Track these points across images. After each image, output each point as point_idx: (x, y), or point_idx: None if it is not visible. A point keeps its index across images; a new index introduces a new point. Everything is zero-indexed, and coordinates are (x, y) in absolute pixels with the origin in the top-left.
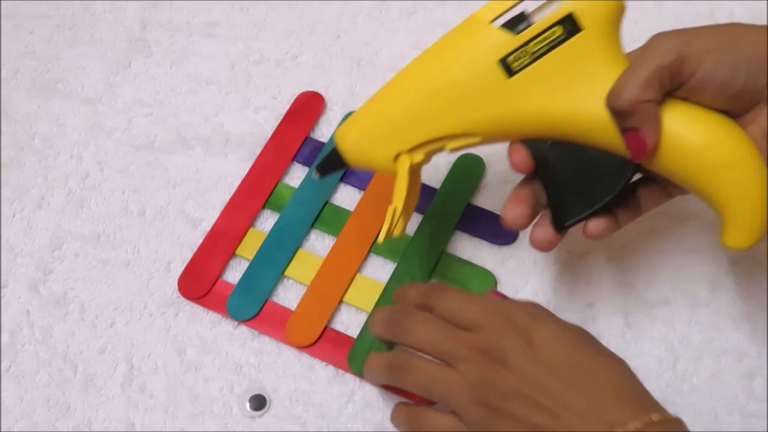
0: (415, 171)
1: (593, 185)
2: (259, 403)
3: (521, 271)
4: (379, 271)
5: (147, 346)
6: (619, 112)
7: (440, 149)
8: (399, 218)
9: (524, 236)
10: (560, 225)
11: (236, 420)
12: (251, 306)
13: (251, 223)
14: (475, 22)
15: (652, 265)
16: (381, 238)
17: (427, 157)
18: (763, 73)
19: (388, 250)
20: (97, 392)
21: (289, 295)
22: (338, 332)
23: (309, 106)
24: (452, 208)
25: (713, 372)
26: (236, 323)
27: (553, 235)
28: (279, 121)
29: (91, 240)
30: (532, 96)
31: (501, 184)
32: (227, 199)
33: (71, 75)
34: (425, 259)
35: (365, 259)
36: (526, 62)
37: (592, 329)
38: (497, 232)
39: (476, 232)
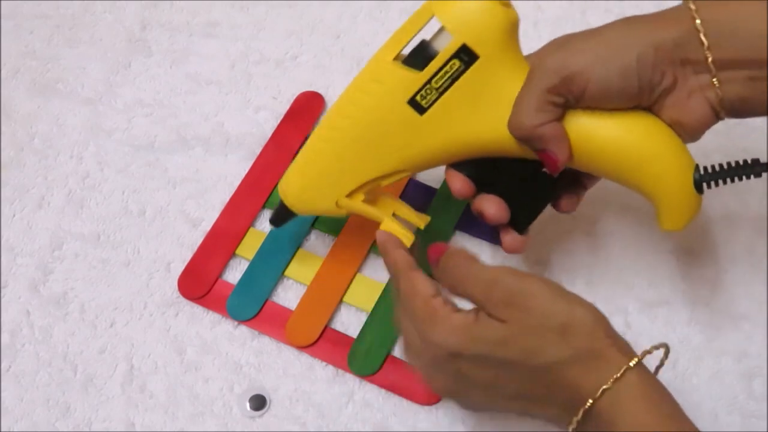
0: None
1: (535, 186)
2: (259, 403)
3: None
4: (379, 271)
5: (147, 346)
6: (521, 140)
7: (376, 187)
8: (401, 225)
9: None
10: (520, 228)
11: (236, 420)
12: (251, 306)
13: (251, 223)
14: (380, 63)
15: (652, 265)
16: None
17: (369, 194)
18: (655, 69)
19: None
20: (97, 392)
21: (289, 295)
22: (338, 332)
23: (309, 106)
24: (452, 208)
25: (713, 372)
26: (236, 323)
27: (520, 238)
28: (279, 121)
29: (91, 240)
30: (446, 127)
31: None
32: (227, 199)
33: (71, 75)
34: (425, 259)
35: (365, 259)
36: (434, 98)
37: None
38: (497, 232)
39: (476, 232)
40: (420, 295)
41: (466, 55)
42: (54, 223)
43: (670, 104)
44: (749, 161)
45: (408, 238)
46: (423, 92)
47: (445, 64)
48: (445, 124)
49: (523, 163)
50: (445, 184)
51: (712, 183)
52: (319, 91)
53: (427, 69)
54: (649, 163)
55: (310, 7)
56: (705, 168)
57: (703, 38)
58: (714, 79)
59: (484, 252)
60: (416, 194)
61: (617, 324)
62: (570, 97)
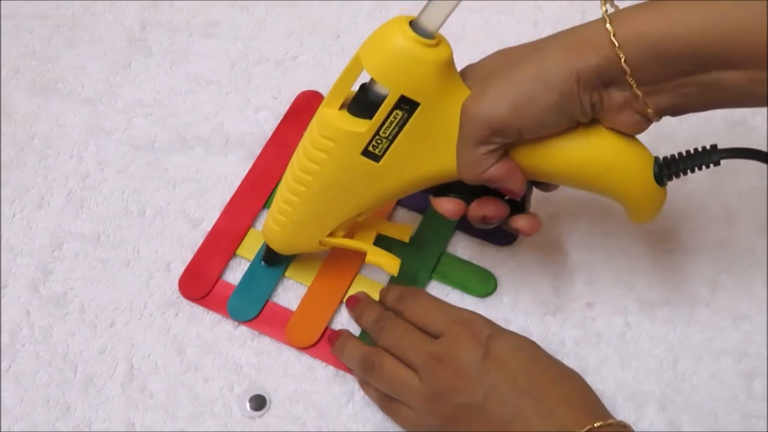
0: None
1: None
2: (259, 403)
3: (521, 271)
4: (379, 271)
5: (147, 346)
6: (475, 183)
7: (353, 222)
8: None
9: (524, 236)
10: (523, 209)
11: (236, 420)
12: (252, 307)
13: (251, 223)
14: (327, 119)
15: (652, 265)
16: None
17: (349, 228)
18: (582, 97)
19: (388, 250)
20: (97, 392)
21: (289, 295)
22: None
23: (309, 105)
24: None
25: (713, 372)
26: (236, 323)
27: (532, 217)
28: (279, 121)
29: (91, 240)
30: (407, 168)
31: None
32: (227, 199)
33: (71, 75)
34: (425, 259)
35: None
36: (386, 146)
37: (592, 329)
38: (497, 232)
39: (476, 232)
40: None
41: (407, 104)
42: (54, 223)
43: (602, 117)
44: (707, 147)
45: (394, 266)
46: (374, 143)
47: (388, 116)
48: (404, 165)
49: None
50: None
51: (673, 175)
52: (319, 91)
53: (372, 122)
54: (606, 171)
55: (310, 7)
56: (665, 158)
57: (624, 66)
58: (640, 97)
59: (484, 252)
60: (416, 194)
61: (617, 324)
62: (507, 140)
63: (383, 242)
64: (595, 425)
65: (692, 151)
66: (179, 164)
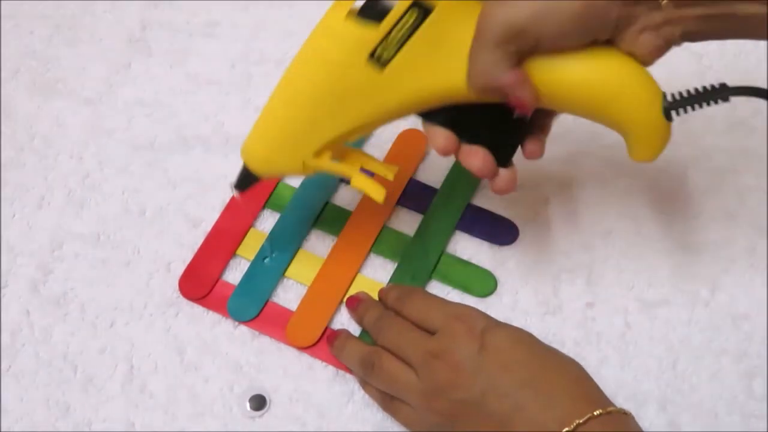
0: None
1: (509, 120)
2: (259, 403)
3: (521, 271)
4: (379, 271)
5: (147, 346)
6: (483, 93)
7: (344, 141)
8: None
9: (524, 236)
10: (503, 163)
11: (236, 420)
12: (252, 306)
13: (251, 223)
14: (335, 20)
15: (652, 265)
16: (381, 195)
17: (336, 152)
18: (607, 10)
19: (388, 250)
20: (97, 392)
21: (289, 295)
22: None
23: None
24: (452, 208)
25: (713, 372)
26: (236, 323)
27: (509, 174)
28: None
29: (91, 240)
30: (409, 79)
31: None
32: (227, 199)
33: (71, 75)
34: (425, 259)
35: (365, 259)
36: (394, 51)
37: (592, 329)
38: (497, 232)
39: (476, 232)
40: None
41: (421, 7)
42: (54, 223)
43: (622, 39)
44: (717, 86)
45: (379, 193)
46: (382, 46)
47: (402, 16)
48: (407, 76)
49: (492, 104)
50: (445, 184)
51: (681, 110)
52: None
53: (385, 22)
54: (616, 96)
55: (310, 7)
56: (672, 95)
57: None
58: (666, 16)
59: (484, 252)
60: (416, 194)
61: (617, 324)
62: (523, 48)
63: (386, 237)
64: (595, 413)
65: (701, 89)
66: (179, 164)
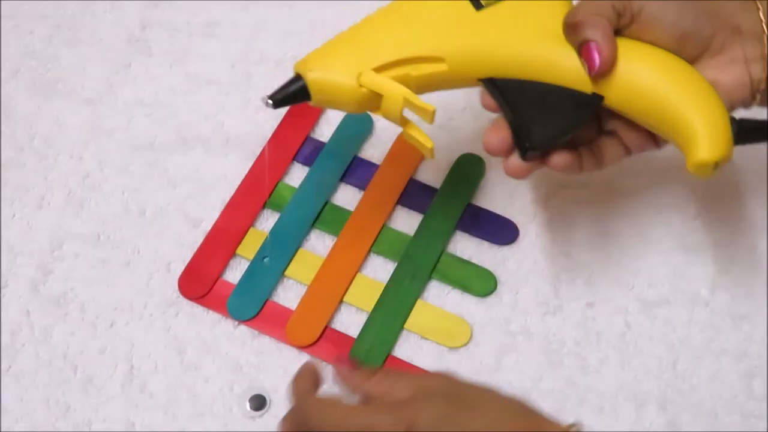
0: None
1: (557, 117)
2: (259, 403)
3: (521, 271)
4: (379, 271)
5: (147, 346)
6: (572, 25)
7: (406, 77)
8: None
9: (524, 236)
10: (523, 150)
11: (236, 420)
12: (251, 306)
13: (251, 223)
14: None
15: (652, 265)
16: (428, 151)
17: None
18: (709, 21)
19: (388, 249)
20: (97, 392)
21: (289, 295)
22: (338, 332)
23: (309, 106)
24: (452, 208)
25: (713, 372)
26: (236, 323)
27: (522, 165)
28: (279, 121)
29: (91, 240)
30: (497, 32)
31: (501, 184)
32: (227, 199)
33: (71, 75)
34: (425, 259)
35: (365, 259)
36: (494, 1)
37: (592, 329)
38: (497, 232)
39: (476, 232)
40: (342, 403)
41: None
42: (54, 223)
43: (709, 65)
44: None
45: (429, 145)
46: None
47: None
48: (496, 27)
49: (556, 90)
50: (445, 184)
51: (747, 140)
52: None
53: None
54: (689, 98)
55: (310, 7)
56: (735, 119)
57: (761, 16)
58: (763, 51)
59: (484, 252)
60: (416, 194)
61: (617, 324)
62: (625, 13)
63: (386, 237)
64: None
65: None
66: (179, 164)
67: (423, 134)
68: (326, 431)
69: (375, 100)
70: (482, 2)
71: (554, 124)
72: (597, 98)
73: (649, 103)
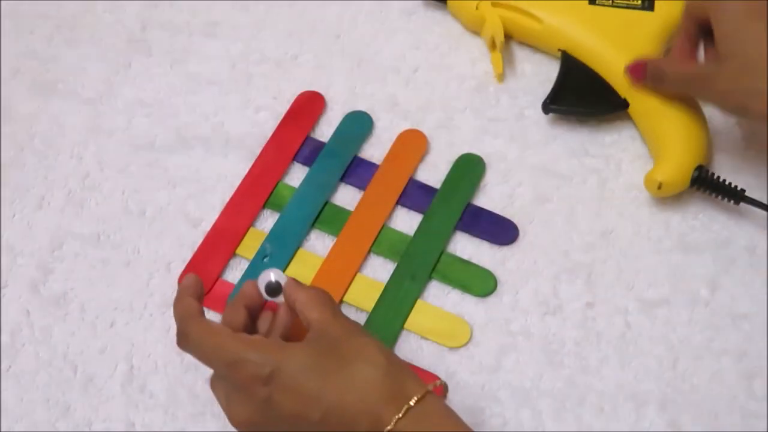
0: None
1: (586, 99)
2: None
3: (521, 271)
4: (379, 271)
5: (147, 346)
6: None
7: (511, 19)
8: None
9: (524, 236)
10: (545, 103)
11: None
12: None
13: (251, 223)
14: None
15: (652, 265)
16: (499, 71)
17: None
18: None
19: (388, 249)
20: (97, 392)
21: None
22: None
23: (309, 106)
24: (452, 208)
25: (713, 372)
26: None
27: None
28: (279, 121)
29: (91, 240)
30: (590, 24)
31: (501, 184)
32: (227, 199)
33: (71, 75)
34: (425, 259)
35: (365, 259)
36: (607, 3)
37: (592, 329)
38: (497, 232)
39: (476, 232)
40: (223, 332)
41: (648, 3)
42: (54, 223)
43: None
44: (739, 189)
45: (498, 72)
46: None
47: None
48: (593, 23)
49: (604, 84)
50: (445, 184)
51: (702, 187)
52: (320, 91)
53: None
54: (678, 140)
55: (310, 7)
56: (705, 170)
57: None
58: None
59: (484, 252)
60: (416, 194)
61: (617, 324)
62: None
63: (386, 237)
64: (399, 416)
65: (726, 183)
66: (179, 164)
67: (500, 63)
68: (198, 354)
69: (481, 23)
70: (597, 1)
71: (580, 102)
72: (624, 103)
73: (654, 125)
